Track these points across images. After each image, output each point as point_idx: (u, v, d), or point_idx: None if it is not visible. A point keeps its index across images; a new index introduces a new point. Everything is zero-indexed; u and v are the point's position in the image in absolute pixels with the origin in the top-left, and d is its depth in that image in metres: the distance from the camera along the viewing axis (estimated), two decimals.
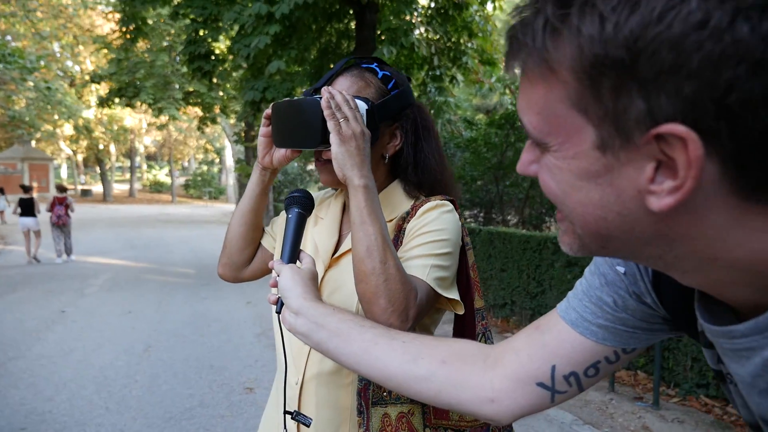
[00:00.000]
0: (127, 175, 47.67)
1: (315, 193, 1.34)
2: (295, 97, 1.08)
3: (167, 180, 44.84)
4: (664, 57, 0.39)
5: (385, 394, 1.03)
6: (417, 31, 8.15)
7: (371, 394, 1.02)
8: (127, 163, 46.57)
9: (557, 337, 0.71)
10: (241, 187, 34.16)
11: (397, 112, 1.11)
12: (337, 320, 0.84)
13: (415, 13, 8.24)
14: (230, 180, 37.75)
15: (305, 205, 1.04)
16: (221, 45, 12.77)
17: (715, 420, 3.76)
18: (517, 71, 0.50)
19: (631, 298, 0.65)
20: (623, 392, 4.24)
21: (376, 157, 1.10)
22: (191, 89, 20.46)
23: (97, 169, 41.22)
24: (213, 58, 10.99)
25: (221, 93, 20.60)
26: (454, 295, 1.03)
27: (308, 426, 1.00)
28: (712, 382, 4.07)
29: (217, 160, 44.30)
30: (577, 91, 0.45)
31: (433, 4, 8.96)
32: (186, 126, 32.45)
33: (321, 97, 1.00)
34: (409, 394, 0.79)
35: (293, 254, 0.99)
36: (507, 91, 12.89)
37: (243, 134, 24.65)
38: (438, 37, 8.79)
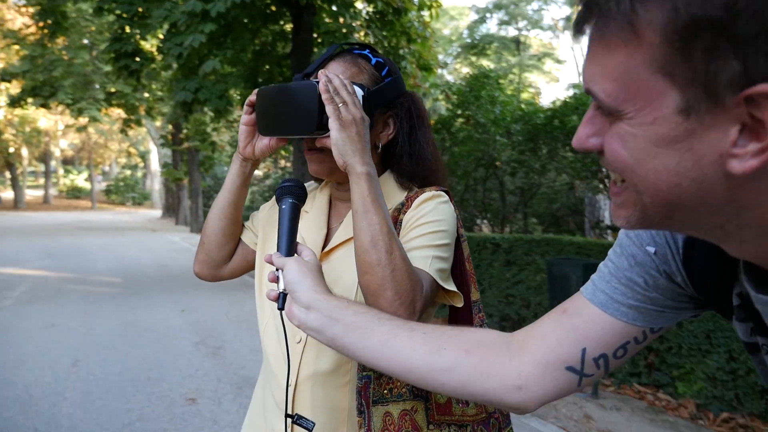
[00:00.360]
0: (41, 181, 44.65)
1: None
2: (287, 83, 1.02)
3: (87, 185, 42.40)
4: (766, 15, 0.39)
5: (385, 392, 0.98)
6: (356, 35, 8.13)
7: (371, 392, 0.98)
8: (41, 168, 43.63)
9: (587, 320, 0.71)
10: (168, 191, 32.89)
11: (391, 100, 1.08)
12: (352, 313, 0.80)
13: (354, 17, 8.22)
14: (155, 185, 36.27)
15: (298, 195, 0.98)
16: (150, 43, 12.25)
17: (648, 405, 3.96)
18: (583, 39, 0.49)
19: (662, 277, 0.66)
20: None
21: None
22: (114, 89, 19.49)
23: (7, 174, 38.36)
24: (141, 56, 10.48)
25: (146, 94, 19.75)
26: (453, 287, 1.00)
27: (310, 430, 0.95)
28: (644, 371, 4.29)
29: (141, 165, 42.39)
30: (666, 54, 0.44)
31: (372, 9, 8.99)
32: (107, 128, 30.83)
33: (317, 81, 0.96)
34: (431, 386, 0.76)
35: (291, 247, 0.93)
36: (441, 97, 13.10)
37: (170, 137, 23.74)
38: (377, 41, 8.82)
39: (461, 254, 1.08)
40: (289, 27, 10.57)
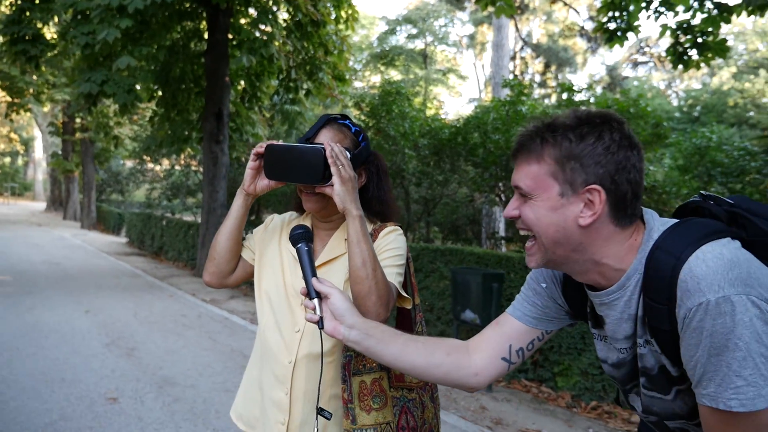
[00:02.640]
0: None
1: (279, 216, 1.62)
2: (295, 144, 1.37)
3: None
4: (592, 160, 0.96)
5: (361, 366, 1.37)
6: (275, 44, 8.33)
7: (352, 367, 1.37)
8: None
9: (510, 327, 1.20)
10: (54, 183, 30.58)
11: (364, 158, 1.46)
12: (380, 331, 1.18)
13: (274, 25, 8.41)
14: (39, 175, 33.57)
15: (310, 239, 1.31)
16: (51, 29, 11.58)
17: (533, 397, 4.59)
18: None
19: (550, 300, 1.19)
20: None
21: None
22: None
23: None
24: (41, 42, 9.91)
25: (36, 77, 18.44)
26: (406, 294, 1.42)
27: (329, 419, 1.29)
28: (530, 367, 4.94)
29: (23, 152, 38.98)
30: (554, 169, 0.98)
31: (290, 19, 9.21)
32: None
33: (322, 146, 1.32)
34: (427, 377, 1.18)
35: (316, 279, 1.24)
36: (350, 104, 13.47)
37: (61, 125, 22.26)
38: (295, 50, 9.06)
39: (408, 271, 1.50)
40: (203, 25, 10.52)
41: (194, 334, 6.15)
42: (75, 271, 10.46)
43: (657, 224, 1.00)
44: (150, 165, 19.70)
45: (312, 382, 1.38)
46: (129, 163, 24.16)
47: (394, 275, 1.38)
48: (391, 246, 1.43)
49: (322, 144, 1.33)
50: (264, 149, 1.40)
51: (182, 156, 15.15)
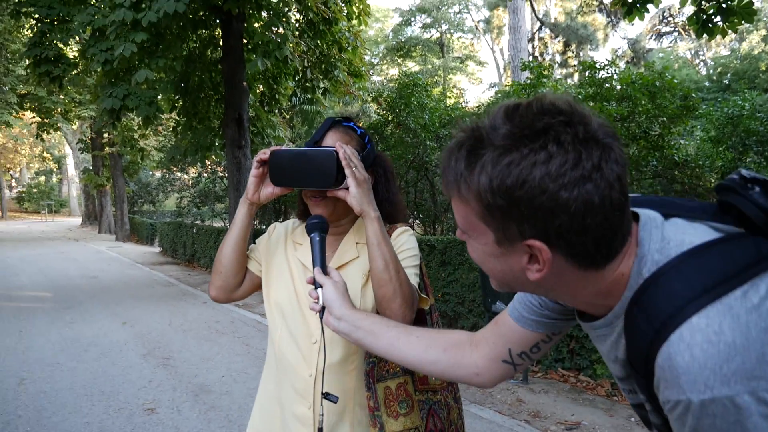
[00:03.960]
0: None
1: (282, 223, 1.58)
2: (303, 148, 1.33)
3: None
4: (524, 208, 0.68)
5: (384, 372, 1.34)
6: (289, 46, 8.32)
7: (376, 373, 1.33)
8: None
9: (509, 329, 1.03)
10: (88, 198, 31.40)
11: (372, 161, 1.42)
12: (370, 323, 1.13)
13: (287, 27, 8.40)
14: (73, 191, 34.49)
15: (324, 229, 1.29)
16: (72, 48, 11.83)
17: (571, 387, 4.49)
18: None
19: (550, 301, 0.97)
20: None
21: None
22: (25, 91, 18.49)
23: None
24: (63, 62, 10.12)
25: (62, 96, 18.89)
26: (423, 295, 1.38)
27: (335, 402, 1.26)
28: (566, 356, 4.83)
29: (57, 170, 40.10)
30: (481, 213, 0.74)
31: (302, 19, 9.19)
32: (17, 131, 29.06)
33: (333, 149, 1.28)
34: (423, 372, 1.11)
35: (324, 268, 1.24)
36: (370, 99, 13.43)
37: (90, 141, 22.77)
38: (309, 50, 9.04)
39: (422, 271, 1.45)
40: (218, 33, 10.58)
41: (228, 340, 6.21)
42: (111, 283, 10.69)
43: (653, 248, 0.73)
44: (177, 174, 20.00)
45: (335, 393, 1.34)
46: (158, 174, 24.61)
47: (412, 276, 1.35)
48: (406, 247, 1.40)
49: (333, 147, 1.29)
50: (268, 156, 1.36)
51: (208, 163, 15.34)
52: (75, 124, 24.13)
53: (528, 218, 0.69)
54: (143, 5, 7.43)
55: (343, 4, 9.48)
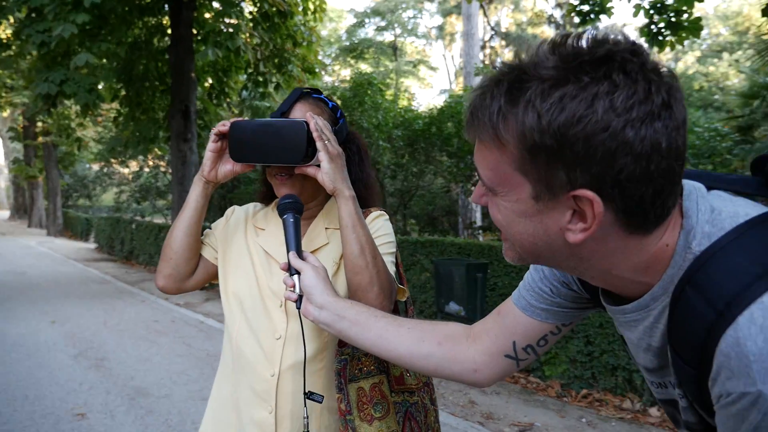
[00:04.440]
0: None
1: (240, 208, 1.42)
2: (269, 119, 1.17)
3: None
4: (580, 148, 0.57)
5: (357, 371, 1.21)
6: (241, 36, 8.05)
7: (348, 372, 1.19)
8: None
9: (513, 320, 0.92)
10: (18, 190, 29.57)
11: (344, 138, 1.28)
12: (355, 312, 1.00)
13: (240, 17, 8.13)
14: (1, 183, 32.47)
15: (298, 209, 1.15)
16: (5, 28, 11.06)
17: (522, 388, 4.47)
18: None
19: (562, 287, 0.87)
20: None
21: None
22: None
23: None
24: None
25: None
26: (401, 285, 1.25)
27: (320, 402, 1.13)
28: None
29: None
30: (521, 160, 0.62)
31: (256, 10, 8.92)
32: None
33: (304, 120, 1.13)
34: (414, 369, 0.99)
35: (299, 253, 1.10)
36: None
37: (22, 129, 21.45)
38: (263, 43, 8.79)
39: (397, 260, 1.32)
40: (166, 21, 10.15)
41: (168, 341, 5.89)
42: (40, 279, 10.03)
43: (702, 219, 0.64)
44: (117, 167, 19.12)
45: (301, 395, 1.19)
46: (95, 167, 23.47)
47: (389, 264, 1.21)
48: (382, 232, 1.26)
49: (303, 118, 1.15)
50: (228, 128, 1.20)
51: (150, 157, 14.72)
52: (6, 110, 22.69)
53: (582, 162, 0.58)
54: None
55: None
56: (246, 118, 1.20)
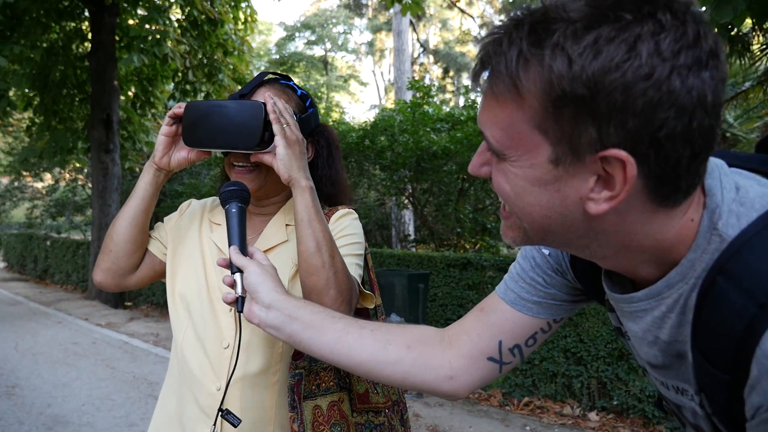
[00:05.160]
0: None
1: (198, 201, 1.31)
2: (222, 100, 1.07)
3: None
4: (617, 98, 0.49)
5: (314, 387, 1.08)
6: (168, 43, 7.73)
7: (303, 388, 1.07)
8: None
9: (500, 317, 0.82)
10: None
11: (312, 129, 1.19)
12: (309, 312, 0.88)
13: (167, 23, 7.81)
14: None
15: (244, 198, 1.03)
16: None
17: (464, 399, 4.47)
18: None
19: (556, 275, 0.79)
20: None
21: None
22: None
23: None
24: None
25: None
26: (367, 291, 1.14)
27: (236, 426, 1.00)
28: None
29: None
30: (541, 116, 0.53)
31: (183, 16, 8.62)
32: None
33: (262, 102, 1.03)
34: (377, 378, 0.86)
35: (243, 249, 0.97)
36: None
37: None
38: (191, 51, 8.49)
39: (368, 265, 1.22)
40: (86, 26, 9.62)
41: (89, 363, 5.48)
42: None
43: (728, 198, 0.57)
44: (29, 181, 17.82)
45: (251, 413, 1.08)
46: (4, 181, 21.84)
47: (353, 267, 1.11)
48: (348, 232, 1.15)
49: (262, 100, 1.05)
50: (183, 110, 1.10)
51: (67, 169, 13.83)
52: None
53: (618, 115, 0.49)
54: None
55: (229, 7, 9.05)
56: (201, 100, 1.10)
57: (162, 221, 1.28)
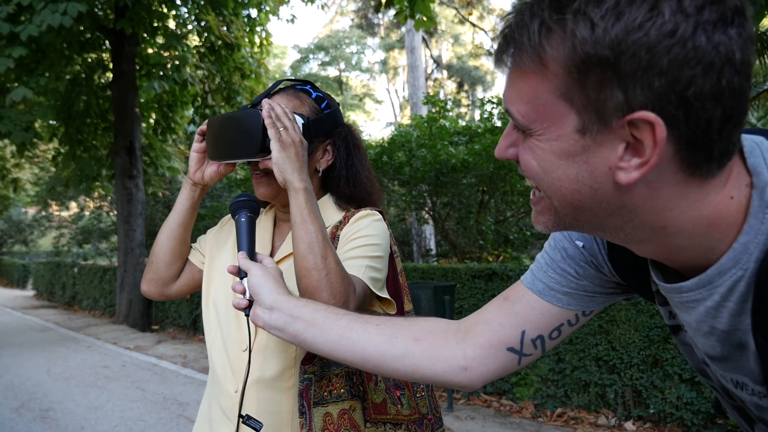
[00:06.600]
0: None
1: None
2: (233, 111, 1.11)
3: None
4: (641, 57, 0.48)
5: (325, 393, 1.05)
6: (187, 69, 7.90)
7: (312, 394, 1.04)
8: None
9: (526, 306, 0.79)
10: None
11: (330, 130, 1.19)
12: (311, 311, 0.87)
13: (186, 50, 7.99)
14: None
15: (253, 209, 1.05)
16: None
17: (495, 411, 4.41)
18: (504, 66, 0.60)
19: (590, 267, 0.75)
20: None
21: (309, 170, 1.14)
22: None
23: None
24: None
25: None
26: (386, 295, 1.10)
27: (258, 430, 1.00)
28: None
29: None
30: (566, 83, 0.53)
31: (201, 43, 8.81)
32: None
33: (259, 109, 1.05)
34: (386, 373, 0.84)
35: (251, 255, 0.99)
36: None
37: None
38: (209, 75, 8.66)
39: (395, 269, 1.18)
40: (107, 56, 9.88)
41: (119, 386, 5.53)
42: None
43: None
44: (56, 210, 18.23)
45: (266, 416, 1.07)
46: (32, 211, 22.35)
47: (362, 268, 1.07)
48: (363, 233, 1.11)
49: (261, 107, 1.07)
50: (206, 125, 1.14)
51: (92, 198, 14.12)
52: None
53: (644, 74, 0.49)
54: (23, 17, 6.72)
55: (245, 31, 9.23)
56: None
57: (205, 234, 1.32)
